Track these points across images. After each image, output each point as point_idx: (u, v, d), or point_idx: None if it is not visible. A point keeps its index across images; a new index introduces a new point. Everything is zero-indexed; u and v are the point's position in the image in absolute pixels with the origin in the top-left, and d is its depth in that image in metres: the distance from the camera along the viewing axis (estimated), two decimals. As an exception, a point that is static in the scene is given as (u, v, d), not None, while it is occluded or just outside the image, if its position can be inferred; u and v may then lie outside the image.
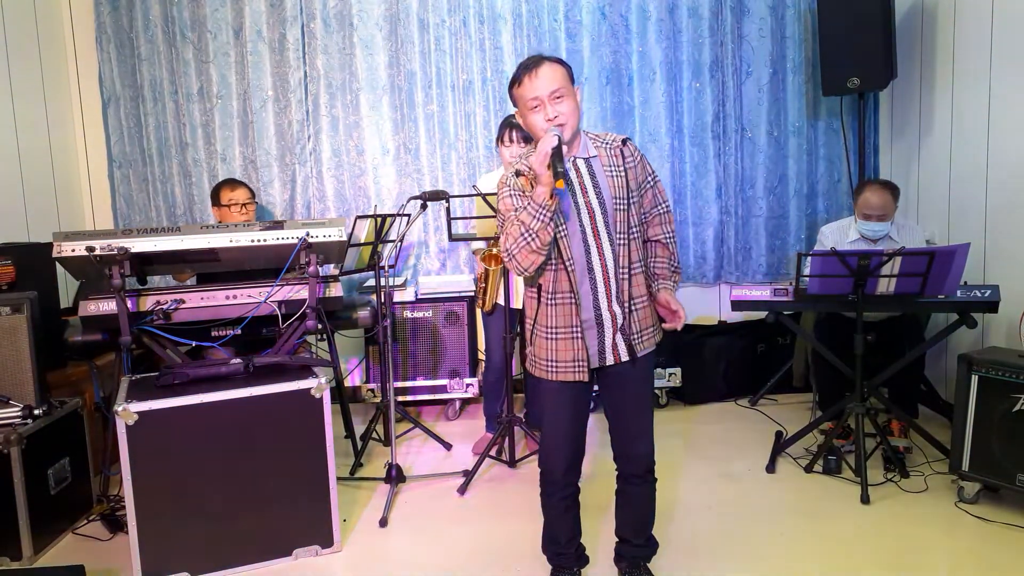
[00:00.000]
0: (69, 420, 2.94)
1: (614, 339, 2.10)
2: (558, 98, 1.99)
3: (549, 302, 2.09)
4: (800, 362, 4.09)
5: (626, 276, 2.08)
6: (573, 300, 2.06)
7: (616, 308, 2.09)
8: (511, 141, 3.26)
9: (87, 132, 4.30)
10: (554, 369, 2.11)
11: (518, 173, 2.07)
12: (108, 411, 2.88)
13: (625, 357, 2.12)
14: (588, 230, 2.06)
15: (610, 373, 2.16)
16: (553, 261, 2.06)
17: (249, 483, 2.52)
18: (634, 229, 2.10)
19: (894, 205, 3.33)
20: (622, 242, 2.07)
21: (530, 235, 1.97)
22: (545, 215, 1.96)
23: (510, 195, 2.06)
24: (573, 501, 2.27)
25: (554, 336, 2.10)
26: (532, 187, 2.03)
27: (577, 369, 2.09)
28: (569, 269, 2.05)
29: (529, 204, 1.97)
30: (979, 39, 3.46)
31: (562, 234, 2.03)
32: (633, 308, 2.11)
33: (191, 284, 3.41)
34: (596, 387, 2.24)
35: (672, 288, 2.20)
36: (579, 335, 2.08)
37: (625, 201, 2.07)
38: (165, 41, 4.17)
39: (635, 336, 2.12)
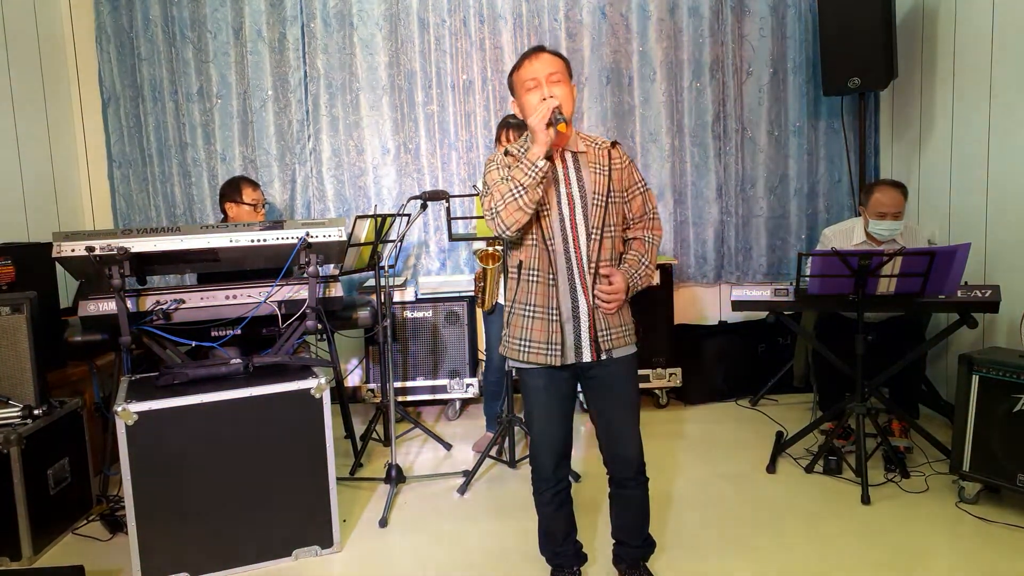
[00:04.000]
0: (69, 420, 2.94)
1: (591, 331, 2.11)
2: (555, 81, 2.04)
3: (530, 279, 2.11)
4: (800, 362, 4.08)
5: (594, 271, 2.09)
6: (553, 281, 2.08)
7: (592, 301, 2.10)
8: (508, 141, 3.26)
9: (87, 132, 4.30)
10: (527, 349, 2.12)
11: (507, 152, 2.11)
12: (108, 411, 2.88)
13: (601, 355, 2.12)
14: (567, 220, 2.09)
15: (592, 375, 2.17)
16: (534, 238, 2.08)
17: (249, 483, 2.52)
18: (610, 228, 2.12)
19: (904, 203, 3.32)
20: (596, 237, 2.09)
21: (519, 191, 1.98)
22: (537, 173, 1.97)
23: (497, 168, 2.10)
24: (566, 496, 2.28)
25: (531, 315, 2.11)
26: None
27: (551, 352, 2.09)
28: (549, 248, 2.07)
29: (523, 161, 1.99)
30: (980, 38, 3.46)
31: (544, 212, 2.06)
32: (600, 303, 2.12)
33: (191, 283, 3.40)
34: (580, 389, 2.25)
35: (631, 276, 2.14)
36: (555, 319, 2.09)
37: (604, 198, 2.09)
38: (165, 41, 4.17)
39: (602, 332, 2.11)
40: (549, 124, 1.96)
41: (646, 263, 2.19)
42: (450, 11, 4.21)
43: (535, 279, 2.10)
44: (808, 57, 4.27)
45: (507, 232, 2.03)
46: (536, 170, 1.97)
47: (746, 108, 4.31)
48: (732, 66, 4.28)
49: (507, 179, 2.01)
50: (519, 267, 2.13)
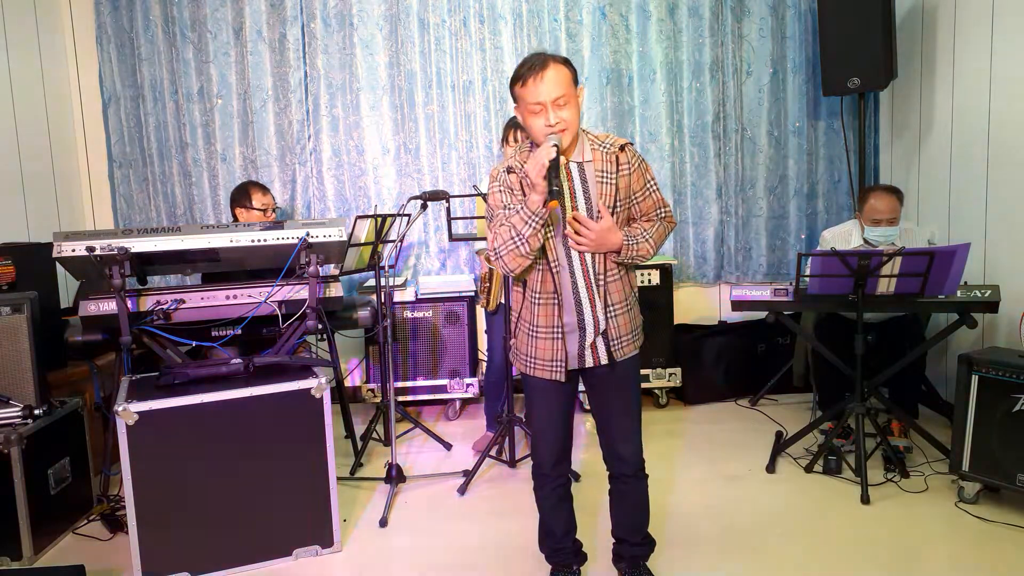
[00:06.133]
0: (69, 420, 2.94)
1: (594, 343, 2.11)
2: (562, 105, 1.97)
3: (534, 300, 2.10)
4: (800, 362, 4.08)
5: (603, 283, 2.08)
6: (556, 301, 2.07)
7: (599, 314, 2.09)
8: (515, 141, 3.26)
9: (87, 132, 4.30)
10: (533, 365, 2.14)
11: (509, 170, 2.08)
12: (108, 411, 2.88)
13: (604, 360, 2.12)
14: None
15: (594, 376, 2.18)
16: (539, 261, 2.06)
17: (249, 483, 2.52)
18: None
19: (900, 208, 3.33)
20: (601, 251, 2.07)
21: (520, 240, 1.98)
22: (537, 222, 1.96)
23: (500, 190, 2.08)
24: (565, 492, 2.29)
25: (535, 335, 2.12)
26: (522, 188, 2.04)
27: (555, 368, 2.11)
28: (554, 271, 2.06)
29: (522, 209, 1.98)
30: (979, 39, 3.46)
31: (550, 235, 2.04)
32: (610, 315, 2.11)
33: (192, 283, 3.40)
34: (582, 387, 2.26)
35: (628, 238, 2.06)
36: (560, 336, 2.09)
37: (610, 210, 2.06)
38: (165, 41, 4.17)
39: (614, 342, 2.12)
40: (546, 178, 1.90)
41: (647, 236, 2.11)
42: (450, 11, 4.21)
43: (539, 301, 2.09)
44: (808, 57, 4.27)
45: (512, 274, 2.05)
46: (535, 219, 1.96)
47: (746, 108, 4.31)
48: (732, 66, 4.28)
49: (507, 223, 1.99)
50: (524, 285, 2.13)
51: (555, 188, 1.90)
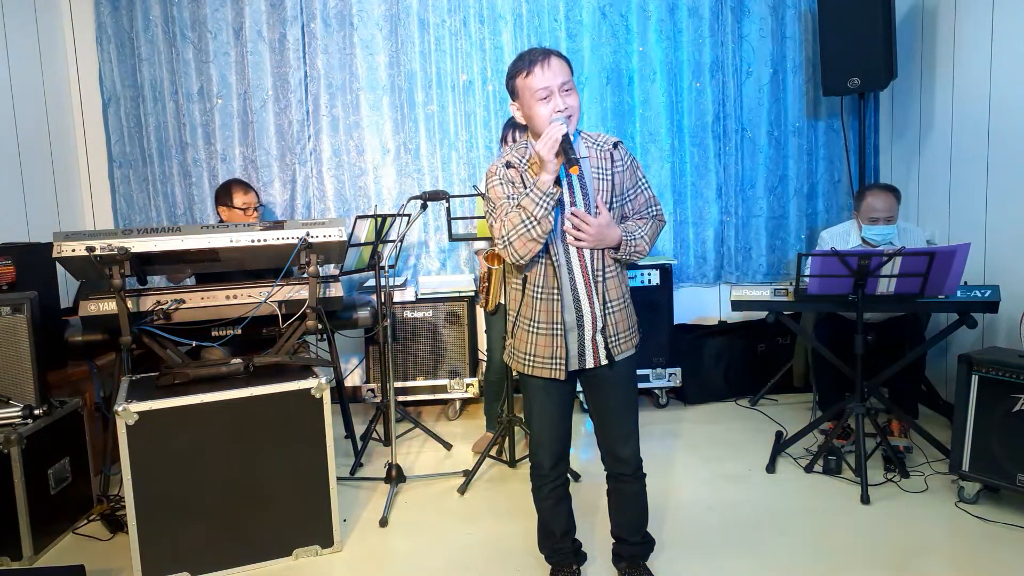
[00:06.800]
0: (69, 420, 2.94)
1: (594, 340, 2.11)
2: (567, 91, 1.99)
3: (535, 295, 2.10)
4: (800, 362, 4.09)
5: (601, 279, 2.09)
6: (557, 296, 2.07)
7: (597, 310, 2.09)
8: (514, 141, 3.26)
9: (87, 132, 4.30)
10: (532, 363, 2.13)
11: (508, 164, 2.08)
12: (108, 411, 2.88)
13: (604, 360, 2.12)
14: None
15: (592, 376, 2.18)
16: (540, 255, 2.06)
17: (249, 483, 2.52)
18: None
19: (897, 207, 3.33)
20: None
21: (531, 222, 1.96)
22: (549, 202, 1.95)
23: (500, 183, 2.07)
24: (564, 492, 2.29)
25: (535, 331, 2.11)
26: (523, 181, 2.04)
27: (555, 366, 2.10)
28: (555, 264, 2.06)
29: (532, 191, 1.96)
30: (979, 39, 3.46)
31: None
32: (608, 311, 2.11)
33: (190, 283, 3.40)
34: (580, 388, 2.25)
35: (626, 233, 2.08)
36: (560, 332, 2.08)
37: (607, 205, 2.07)
38: (165, 41, 4.17)
39: (612, 339, 2.12)
40: (558, 155, 1.92)
41: (643, 234, 2.12)
42: (450, 11, 4.21)
43: (540, 296, 2.09)
44: (808, 57, 4.27)
45: (521, 261, 2.03)
46: (548, 199, 1.95)
47: (746, 108, 4.31)
48: (732, 66, 4.27)
49: (517, 207, 1.98)
50: (523, 281, 2.12)
51: (573, 156, 1.92)
